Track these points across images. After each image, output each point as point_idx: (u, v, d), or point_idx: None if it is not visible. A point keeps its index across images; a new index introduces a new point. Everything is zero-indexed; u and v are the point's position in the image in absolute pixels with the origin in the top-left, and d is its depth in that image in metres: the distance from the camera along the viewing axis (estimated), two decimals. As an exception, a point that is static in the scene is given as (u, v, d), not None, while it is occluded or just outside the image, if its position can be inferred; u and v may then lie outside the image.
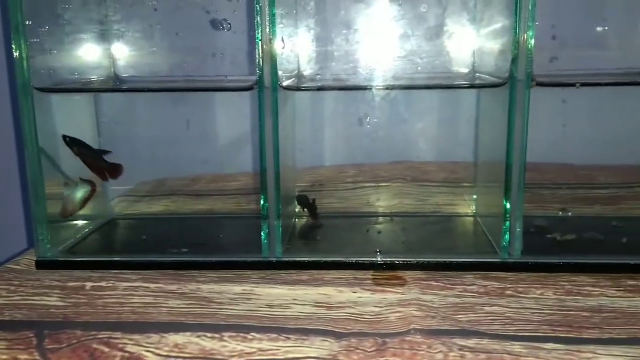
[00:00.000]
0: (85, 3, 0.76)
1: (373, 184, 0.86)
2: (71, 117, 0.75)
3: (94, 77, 0.78)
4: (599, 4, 0.76)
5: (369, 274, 0.64)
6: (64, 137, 0.69)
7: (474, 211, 0.80)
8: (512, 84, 0.60)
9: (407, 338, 0.49)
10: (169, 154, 0.83)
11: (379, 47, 0.76)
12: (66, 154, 0.70)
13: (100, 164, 0.72)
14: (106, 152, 0.73)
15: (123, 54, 0.79)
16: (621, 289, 0.59)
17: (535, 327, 0.51)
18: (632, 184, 0.82)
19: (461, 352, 0.46)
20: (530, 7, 0.58)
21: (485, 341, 0.48)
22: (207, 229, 0.78)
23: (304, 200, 0.78)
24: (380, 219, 0.80)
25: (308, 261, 0.65)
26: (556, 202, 0.81)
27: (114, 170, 0.73)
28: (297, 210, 0.80)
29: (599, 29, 0.76)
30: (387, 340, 0.49)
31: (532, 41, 0.59)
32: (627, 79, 0.73)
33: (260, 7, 0.60)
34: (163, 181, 0.87)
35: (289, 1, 0.72)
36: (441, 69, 0.76)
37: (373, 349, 0.47)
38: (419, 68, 0.77)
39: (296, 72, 0.78)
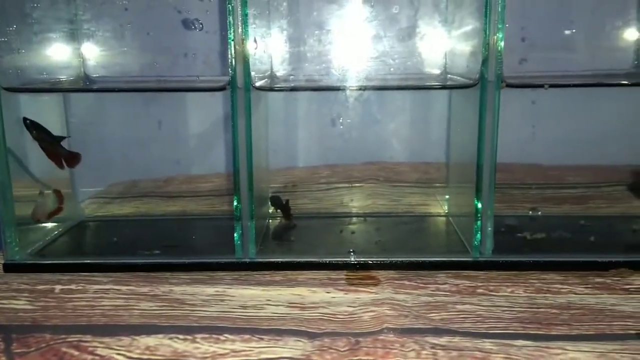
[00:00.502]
0: (54, 2, 0.75)
1: (347, 185, 0.86)
2: (40, 118, 0.74)
3: (63, 77, 0.76)
4: (568, 6, 0.77)
5: (342, 274, 0.64)
6: (25, 119, 0.67)
7: (447, 211, 0.81)
8: (482, 85, 0.61)
9: (380, 337, 0.49)
10: (140, 155, 0.82)
11: (352, 48, 0.76)
12: (35, 156, 0.69)
13: (58, 150, 0.70)
14: (64, 137, 0.72)
15: (93, 53, 0.78)
16: (589, 286, 0.60)
17: (505, 325, 0.51)
18: (600, 183, 0.84)
19: (433, 350, 0.47)
20: (499, 10, 0.59)
21: (457, 339, 0.49)
22: (180, 231, 0.78)
23: (277, 201, 0.78)
24: (354, 219, 0.80)
25: (282, 262, 0.65)
26: (527, 201, 0.82)
27: (72, 159, 0.72)
28: (270, 211, 0.80)
29: (567, 31, 0.77)
30: (360, 339, 0.49)
31: (502, 43, 0.60)
32: (594, 80, 0.75)
33: (232, 7, 0.60)
34: (135, 182, 0.86)
35: (262, 1, 0.72)
36: (413, 70, 0.77)
37: (346, 348, 0.48)
38: (392, 69, 0.78)
39: (269, 72, 0.77)
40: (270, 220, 0.79)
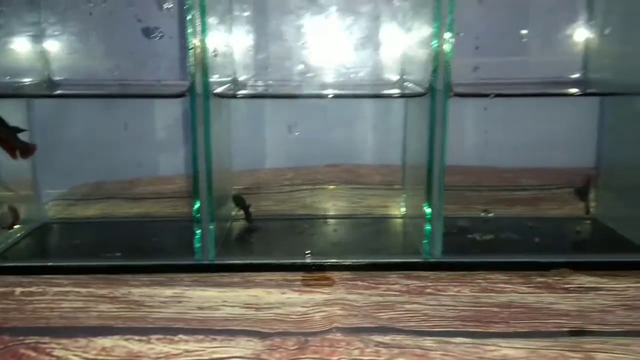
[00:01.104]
0: (17, 5, 0.76)
1: (310, 187, 0.89)
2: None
3: (27, 80, 0.77)
4: (520, 16, 0.81)
5: (299, 276, 0.66)
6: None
7: (403, 213, 0.83)
8: (432, 94, 0.63)
9: (328, 336, 0.51)
10: (104, 157, 0.83)
11: (312, 55, 0.78)
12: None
13: (12, 141, 0.71)
14: (21, 130, 0.72)
15: (58, 57, 0.79)
16: (531, 285, 0.63)
17: (448, 323, 0.54)
18: (550, 186, 0.87)
19: (377, 348, 0.49)
20: (448, 22, 0.62)
21: (400, 337, 0.51)
22: (142, 233, 0.79)
23: (240, 201, 0.80)
24: (315, 221, 0.83)
25: (240, 264, 0.67)
26: (480, 203, 0.85)
27: (26, 150, 0.72)
28: (233, 213, 0.81)
29: (519, 40, 0.80)
30: (310, 338, 0.51)
31: (451, 54, 0.63)
32: (542, 88, 0.78)
33: (192, 16, 0.61)
34: (99, 184, 0.87)
35: (224, 9, 0.74)
36: (372, 77, 0.79)
37: (295, 347, 0.50)
38: (352, 75, 0.81)
39: (232, 77, 0.79)
40: (233, 223, 0.81)
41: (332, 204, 0.87)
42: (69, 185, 0.84)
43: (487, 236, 0.73)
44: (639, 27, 0.70)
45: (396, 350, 0.49)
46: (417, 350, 0.49)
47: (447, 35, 0.62)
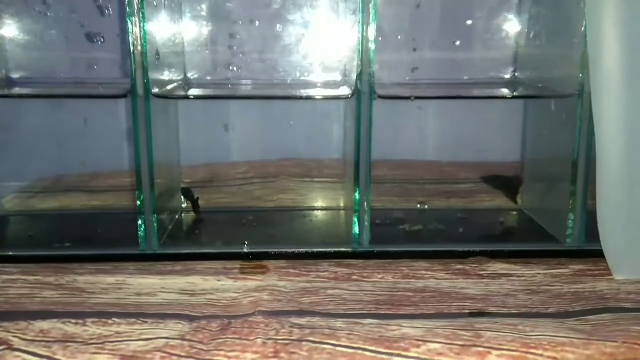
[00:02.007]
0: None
1: (261, 180, 0.93)
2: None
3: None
4: (456, 22, 0.85)
5: (237, 264, 0.71)
6: None
7: (341, 205, 0.88)
8: (358, 96, 0.68)
9: (250, 319, 0.56)
10: (58, 153, 0.87)
11: (258, 55, 0.82)
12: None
13: None
14: None
15: (14, 56, 0.83)
16: (449, 272, 0.68)
17: (362, 306, 0.59)
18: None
19: (291, 329, 0.54)
20: (374, 30, 0.66)
21: (315, 319, 0.56)
22: (95, 224, 0.83)
23: (187, 193, 0.85)
24: (260, 213, 0.87)
25: (182, 253, 0.72)
26: (421, 196, 0.91)
27: None
28: (183, 206, 0.86)
29: (453, 42, 0.85)
30: (232, 321, 0.56)
31: (374, 59, 0.67)
32: (474, 87, 0.84)
33: (131, 21, 0.66)
34: (60, 178, 0.91)
35: (173, 10, 0.78)
36: (315, 77, 0.84)
37: (218, 328, 0.55)
38: (298, 74, 0.85)
39: (182, 77, 0.84)
40: (183, 214, 0.86)
41: (281, 196, 0.92)
42: (26, 179, 0.88)
43: (416, 227, 0.78)
44: (558, 32, 0.75)
45: (307, 331, 0.54)
46: (327, 330, 0.54)
47: (372, 45, 0.66)
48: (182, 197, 0.85)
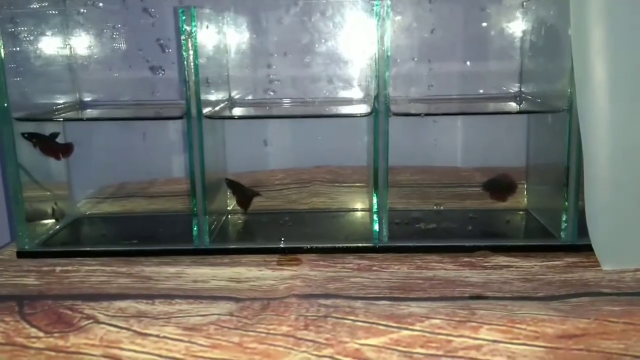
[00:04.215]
0: (52, 35, 0.94)
1: (297, 185, 1.06)
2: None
3: (62, 102, 0.96)
4: (466, 42, 0.96)
5: (275, 257, 0.83)
6: (23, 134, 0.84)
7: (367, 207, 1.00)
8: (375, 115, 0.80)
9: (285, 300, 0.69)
10: (127, 162, 1.01)
11: (291, 81, 0.95)
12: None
13: (53, 146, 0.89)
14: (56, 134, 0.90)
15: (87, 80, 0.98)
16: (457, 264, 0.79)
17: (379, 291, 0.71)
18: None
19: (318, 308, 0.66)
20: (385, 57, 0.78)
21: (339, 301, 0.68)
22: (155, 225, 0.97)
23: (231, 184, 0.97)
24: (295, 214, 1.00)
25: (230, 248, 0.85)
26: (439, 198, 1.01)
27: (66, 150, 0.91)
28: (228, 203, 0.99)
29: (464, 62, 0.96)
30: (271, 302, 0.68)
31: (388, 81, 0.79)
32: (484, 102, 0.94)
33: (186, 55, 0.79)
34: (123, 184, 1.06)
35: (219, 50, 0.91)
36: (339, 97, 0.96)
37: (259, 307, 0.67)
38: (327, 93, 0.97)
39: (228, 97, 0.97)
40: (230, 216, 0.99)
41: (314, 199, 1.04)
42: (98, 186, 1.04)
43: (431, 225, 0.89)
44: (552, 51, 0.85)
45: (332, 309, 0.66)
46: (347, 309, 0.66)
47: (386, 71, 0.78)
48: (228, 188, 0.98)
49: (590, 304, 0.65)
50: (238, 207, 0.99)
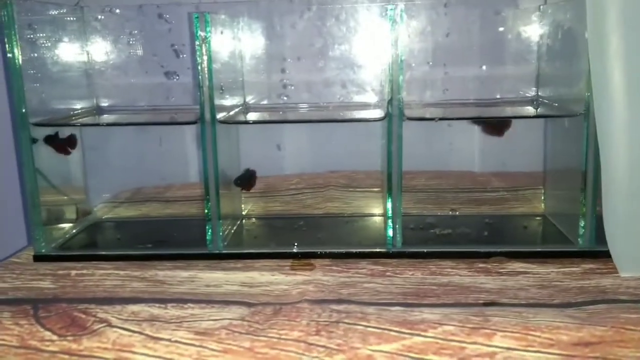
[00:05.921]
0: (70, 42, 0.95)
1: (311, 190, 1.06)
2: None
3: (79, 108, 0.97)
4: (482, 46, 0.95)
5: (288, 262, 0.83)
6: (34, 139, 0.85)
7: (380, 212, 0.99)
8: (389, 119, 0.79)
9: (297, 305, 0.68)
10: (141, 169, 1.02)
11: (305, 86, 0.95)
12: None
13: (59, 142, 0.90)
14: (56, 133, 0.90)
15: (103, 84, 0.99)
16: (472, 270, 0.78)
17: (392, 297, 0.70)
18: (518, 187, 1.01)
19: (330, 313, 0.66)
20: (399, 61, 0.77)
21: (351, 306, 0.68)
22: (170, 229, 0.98)
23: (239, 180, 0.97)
24: (309, 219, 0.99)
25: (242, 252, 0.85)
26: (452, 203, 1.00)
27: (71, 143, 0.92)
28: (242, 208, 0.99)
29: (480, 67, 0.95)
30: (283, 307, 0.68)
31: (403, 86, 0.78)
32: (500, 105, 0.94)
33: (200, 60, 0.79)
34: (139, 190, 1.07)
35: (234, 55, 0.92)
36: (353, 101, 0.96)
37: (271, 312, 0.67)
38: (340, 98, 0.97)
39: (242, 102, 0.97)
40: (244, 220, 0.99)
41: (328, 204, 1.04)
42: (114, 191, 1.04)
43: (446, 231, 0.88)
44: (569, 55, 0.84)
45: (344, 315, 0.65)
46: (359, 314, 0.65)
47: (400, 76, 0.78)
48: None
49: (607, 312, 0.64)
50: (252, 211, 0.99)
